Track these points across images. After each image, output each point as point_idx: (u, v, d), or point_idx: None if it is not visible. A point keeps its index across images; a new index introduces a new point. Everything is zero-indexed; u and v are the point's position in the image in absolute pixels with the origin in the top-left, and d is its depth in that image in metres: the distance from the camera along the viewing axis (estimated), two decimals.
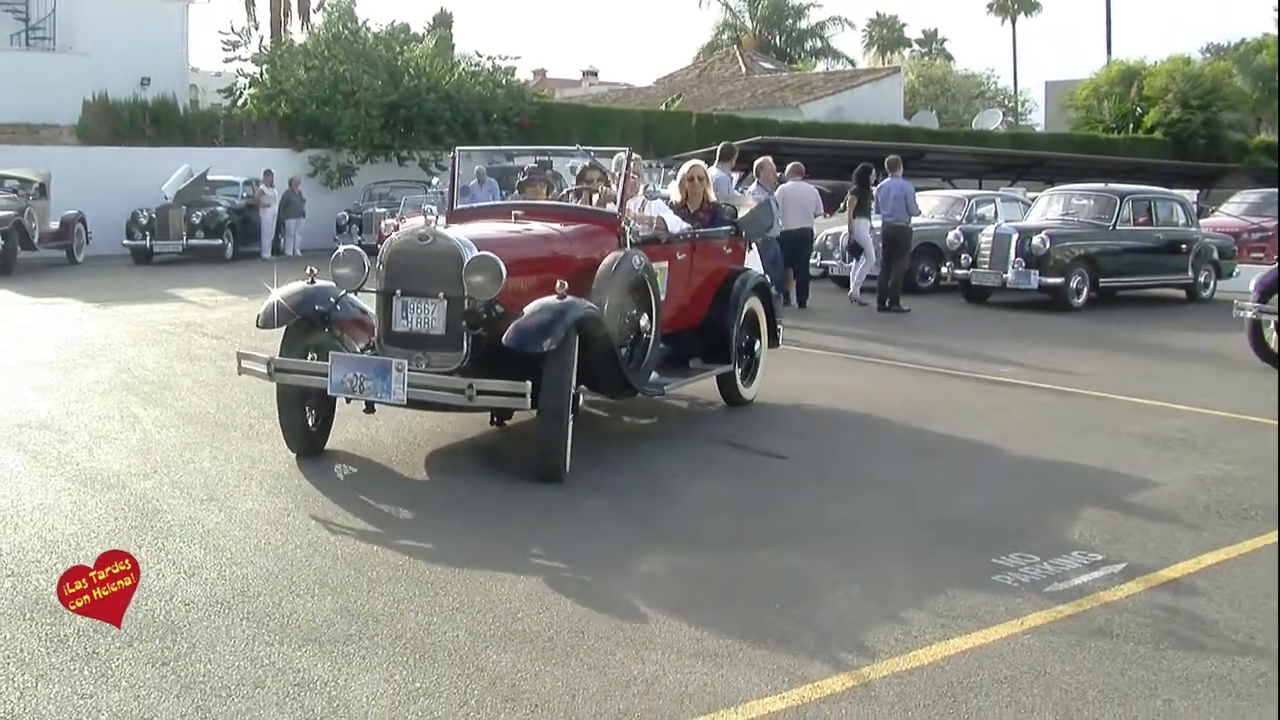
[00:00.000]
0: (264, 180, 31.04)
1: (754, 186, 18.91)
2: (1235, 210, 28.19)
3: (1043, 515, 7.96)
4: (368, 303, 9.09)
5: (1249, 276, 17.48)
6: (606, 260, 9.38)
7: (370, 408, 8.88)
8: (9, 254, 24.43)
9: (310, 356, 8.86)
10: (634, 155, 10.54)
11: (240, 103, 37.38)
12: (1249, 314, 14.41)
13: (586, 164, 11.20)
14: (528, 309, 8.34)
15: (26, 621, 5.81)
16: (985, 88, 75.78)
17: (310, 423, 9.15)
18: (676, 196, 11.61)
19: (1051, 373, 13.78)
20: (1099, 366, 14.31)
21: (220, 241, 28.52)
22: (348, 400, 8.73)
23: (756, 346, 11.69)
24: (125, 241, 28.09)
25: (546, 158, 13.90)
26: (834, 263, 23.46)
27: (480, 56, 39.77)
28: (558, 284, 8.42)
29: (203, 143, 34.31)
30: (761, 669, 5.41)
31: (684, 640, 5.71)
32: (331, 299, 9.00)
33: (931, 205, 24.71)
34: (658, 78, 65.88)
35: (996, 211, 24.68)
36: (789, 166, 20.86)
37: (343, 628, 5.82)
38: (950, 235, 22.05)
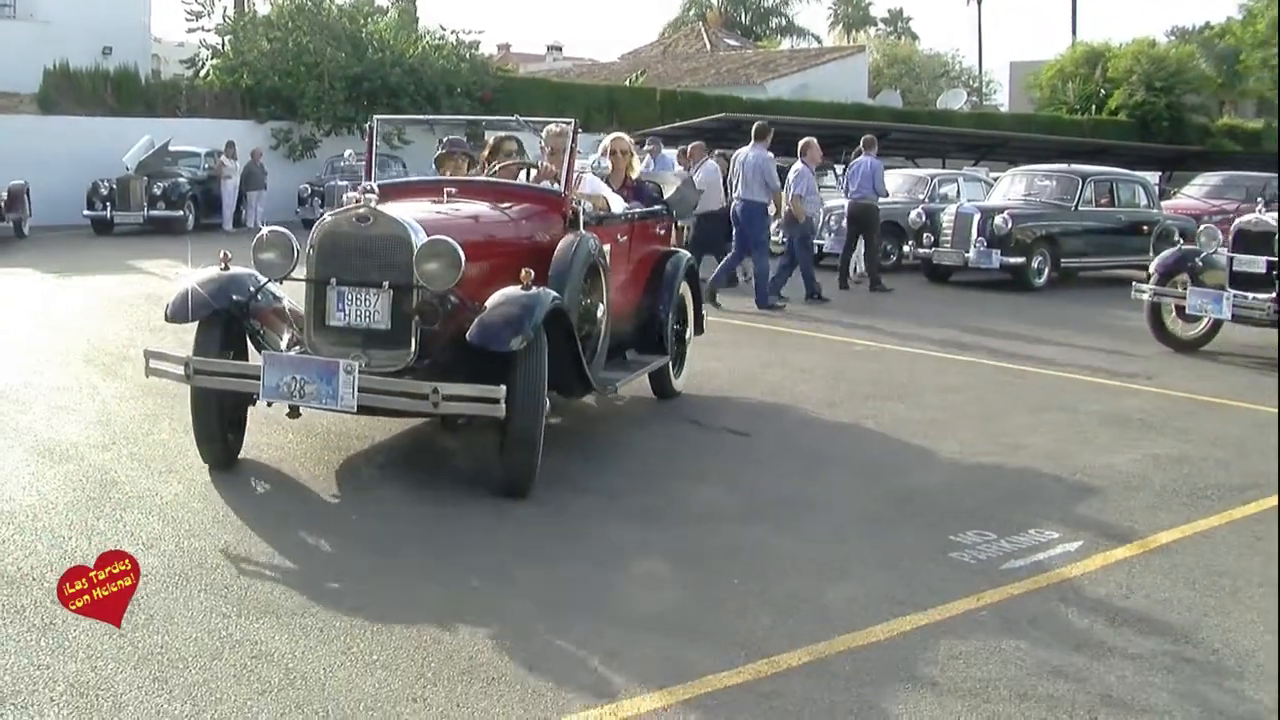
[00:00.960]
0: (226, 152, 30.88)
1: (678, 167, 18.95)
2: (1197, 193, 28.31)
3: (1000, 493, 8.02)
4: (293, 292, 8.22)
5: None
6: (563, 244, 8.52)
7: (295, 412, 7.81)
8: None
9: (229, 355, 7.93)
10: (577, 127, 9.34)
11: (203, 73, 37.13)
12: (1147, 296, 14.35)
13: (502, 135, 10.28)
14: (491, 300, 7.39)
15: None
16: (950, 68, 76.13)
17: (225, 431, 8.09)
18: (605, 168, 10.17)
19: (1012, 352, 13.86)
20: (1059, 346, 14.38)
21: (181, 213, 28.35)
22: (270, 404, 7.69)
23: (687, 334, 11.10)
24: (86, 212, 27.90)
25: (478, 128, 12.66)
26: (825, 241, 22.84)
27: (444, 30, 39.68)
28: (523, 272, 7.46)
29: (165, 113, 34.05)
30: (719, 643, 5.43)
31: (642, 614, 5.72)
32: (251, 288, 7.88)
33: (895, 184, 24.74)
34: (622, 53, 65.88)
35: (959, 191, 24.77)
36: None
37: (300, 600, 5.81)
38: (913, 214, 22.11)
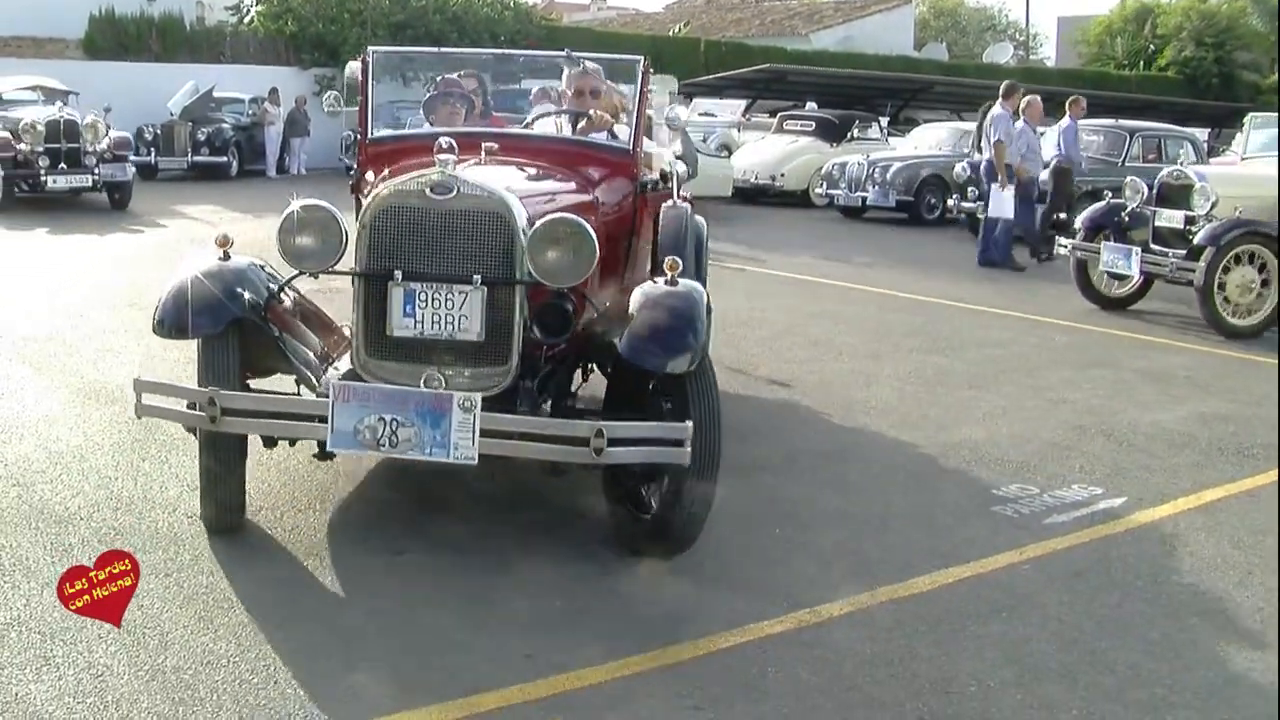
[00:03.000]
0: (269, 99, 30.91)
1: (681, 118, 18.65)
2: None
3: (1043, 448, 7.98)
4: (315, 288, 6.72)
5: None
6: (669, 218, 7.33)
7: (326, 453, 5.65)
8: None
9: (246, 378, 5.97)
10: (649, 67, 7.53)
11: (247, 20, 37.12)
12: (1074, 253, 14.01)
13: (576, 70, 7.80)
14: (635, 303, 5.56)
15: (32, 530, 5.85)
16: (996, 21, 75.32)
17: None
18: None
19: (1055, 310, 13.76)
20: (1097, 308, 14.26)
21: (225, 159, 28.42)
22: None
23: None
24: (132, 157, 27.97)
25: (480, 70, 8.67)
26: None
27: None
28: (669, 261, 5.68)
29: (209, 59, 34.07)
30: (761, 592, 5.44)
31: (684, 563, 5.73)
32: (267, 287, 5.93)
33: (939, 137, 24.60)
34: (666, 3, 65.45)
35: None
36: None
37: (349, 537, 5.85)
38: (958, 168, 21.95)
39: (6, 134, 20.20)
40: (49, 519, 5.99)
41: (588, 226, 5.45)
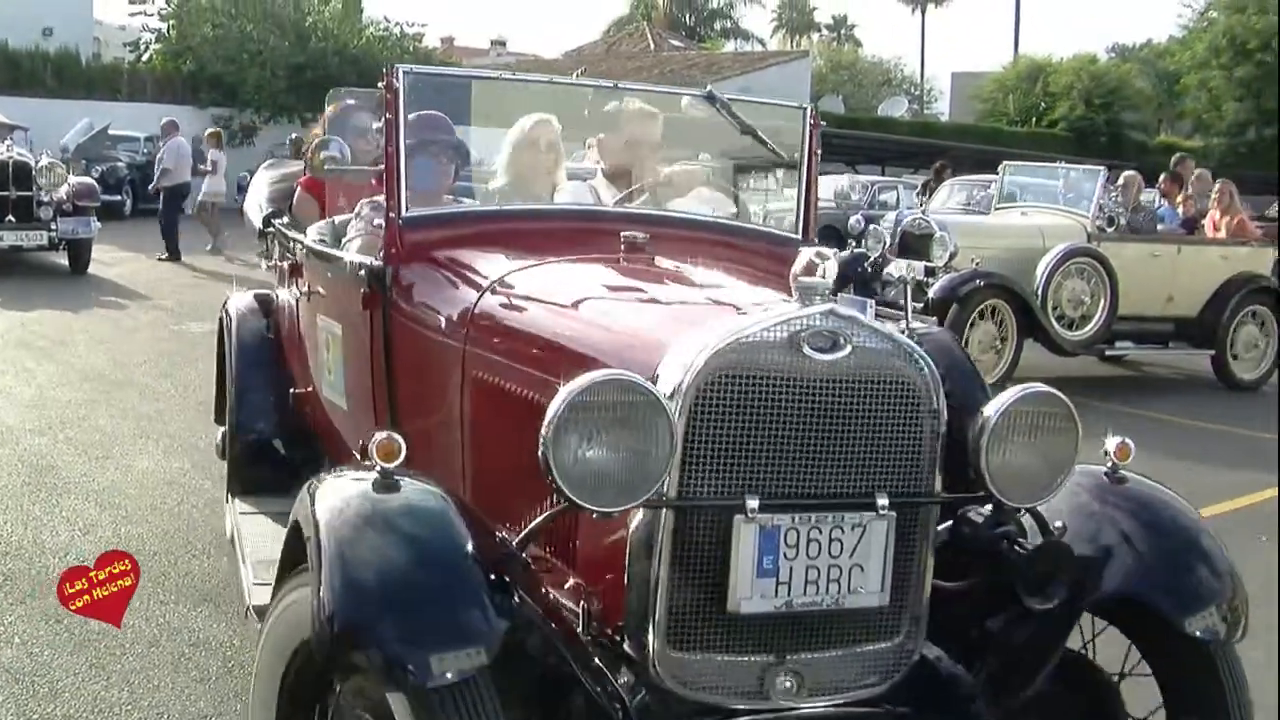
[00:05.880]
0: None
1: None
2: None
3: None
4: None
5: None
6: (936, 348, 4.15)
7: None
8: None
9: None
10: (817, 119, 5.17)
11: (145, 57, 36.87)
12: None
13: (630, 108, 5.21)
14: (1085, 512, 3.50)
15: None
16: (892, 75, 76.59)
17: None
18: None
19: None
20: None
21: (120, 197, 28.12)
22: None
23: None
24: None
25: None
26: None
27: (388, 21, 39.66)
28: (1119, 444, 3.58)
29: (105, 96, 33.74)
30: None
31: None
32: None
33: (834, 190, 24.92)
34: (566, 50, 65.85)
35: (898, 198, 24.96)
36: None
37: (240, 588, 5.81)
38: (852, 220, 22.22)
39: None
40: None
41: (1069, 405, 3.24)
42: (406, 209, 4.36)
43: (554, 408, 2.77)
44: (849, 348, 3.00)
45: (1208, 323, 13.23)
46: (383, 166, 4.49)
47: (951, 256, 11.79)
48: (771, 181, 5.88)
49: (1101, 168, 14.24)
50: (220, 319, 6.52)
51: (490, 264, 4.15)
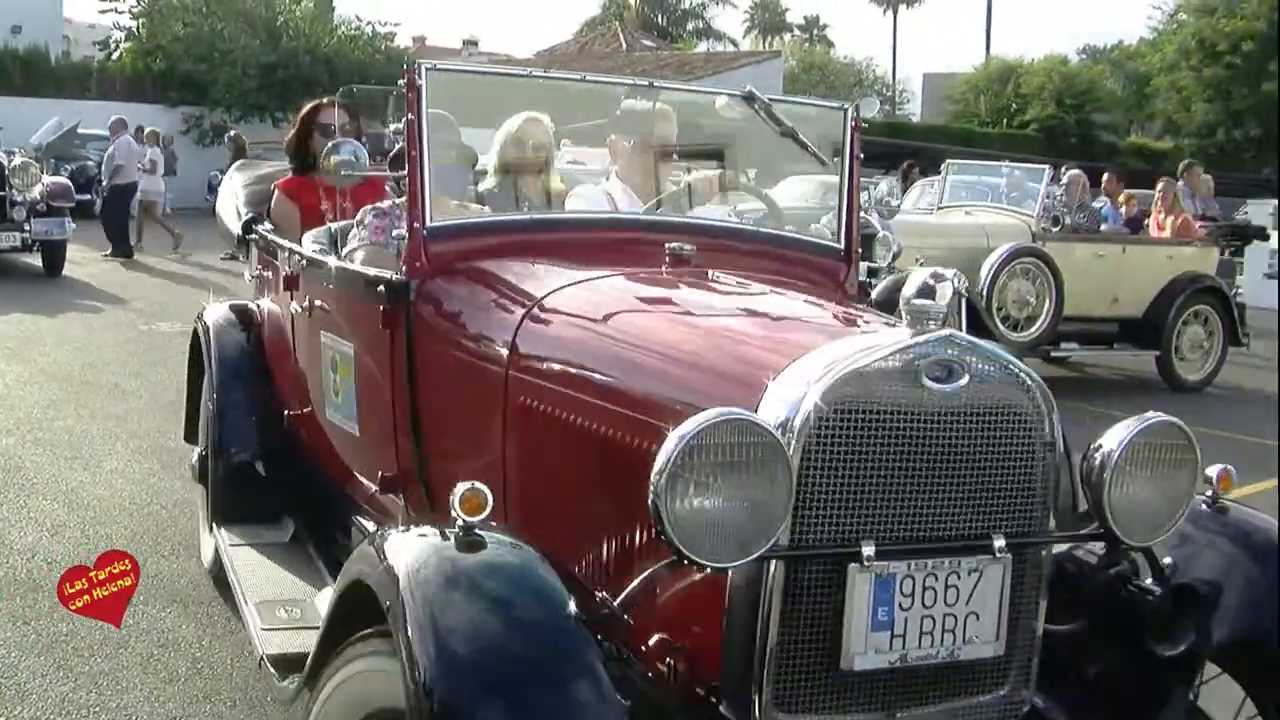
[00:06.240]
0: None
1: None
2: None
3: None
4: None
5: None
6: None
7: None
8: None
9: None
10: (858, 121, 4.91)
11: (115, 56, 36.71)
12: None
13: (646, 107, 4.90)
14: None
15: None
16: (864, 76, 76.74)
17: None
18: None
19: None
20: None
21: (90, 196, 27.93)
22: None
23: None
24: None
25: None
26: None
27: (360, 21, 39.58)
28: (1221, 474, 3.43)
29: (74, 95, 33.58)
30: None
31: None
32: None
33: (805, 190, 24.92)
34: (538, 50, 65.76)
35: (870, 198, 24.96)
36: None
37: (207, 589, 5.79)
38: (823, 221, 22.27)
39: None
40: None
41: (1194, 438, 3.03)
42: (431, 218, 4.01)
43: (667, 453, 2.50)
44: (966, 377, 2.77)
45: (1153, 323, 13.22)
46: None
47: (895, 257, 11.48)
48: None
49: (1046, 166, 14.22)
50: (196, 331, 6.18)
51: (530, 279, 3.85)
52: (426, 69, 4.08)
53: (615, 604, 2.64)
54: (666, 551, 2.58)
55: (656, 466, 2.49)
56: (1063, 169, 15.15)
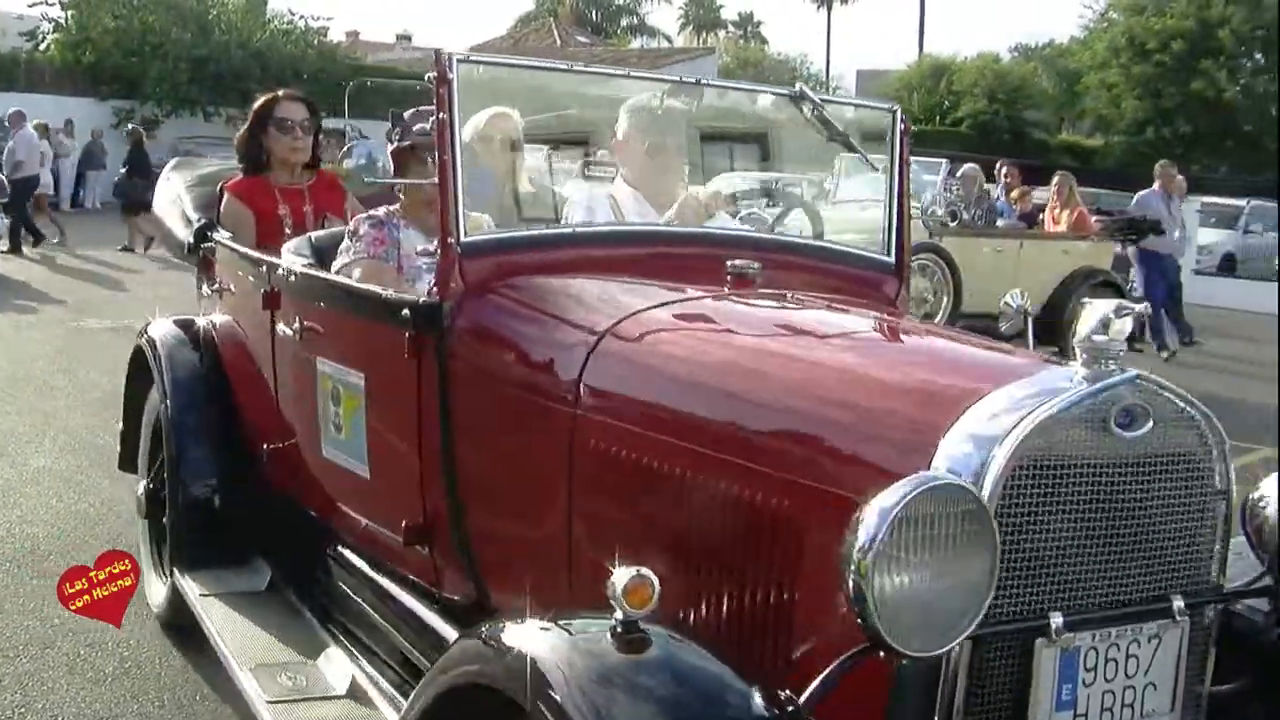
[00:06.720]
0: (64, 130, 30.15)
1: None
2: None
3: None
4: None
5: None
6: None
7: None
8: None
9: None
10: (908, 125, 4.39)
11: (43, 47, 36.24)
12: None
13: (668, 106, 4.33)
14: None
15: None
16: (799, 72, 76.96)
17: None
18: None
19: None
20: None
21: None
22: None
23: None
24: None
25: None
26: None
27: (293, 15, 39.30)
28: None
29: (0, 88, 33.12)
30: None
31: None
32: None
33: (735, 185, 24.97)
34: (472, 45, 65.56)
35: (803, 194, 25.08)
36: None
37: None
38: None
39: None
40: None
41: None
42: (465, 232, 3.47)
43: (870, 526, 2.16)
44: (1151, 422, 2.50)
45: (1051, 318, 13.26)
46: None
47: None
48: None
49: (944, 160, 14.23)
50: (140, 348, 5.47)
51: (592, 301, 3.40)
52: (458, 60, 3.53)
53: (801, 702, 2.22)
54: (832, 634, 2.35)
55: (859, 543, 2.17)
56: (997, 166, 15.17)
